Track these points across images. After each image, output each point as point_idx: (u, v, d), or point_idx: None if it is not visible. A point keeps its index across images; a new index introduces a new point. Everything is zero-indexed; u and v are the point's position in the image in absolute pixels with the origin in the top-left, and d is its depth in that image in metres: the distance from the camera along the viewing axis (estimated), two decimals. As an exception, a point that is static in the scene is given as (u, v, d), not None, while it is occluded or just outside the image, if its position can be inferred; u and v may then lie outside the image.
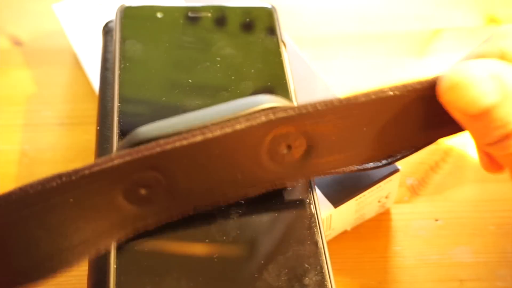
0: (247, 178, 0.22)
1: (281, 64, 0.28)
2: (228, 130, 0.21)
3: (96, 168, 0.20)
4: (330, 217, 0.29)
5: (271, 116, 0.21)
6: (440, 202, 0.33)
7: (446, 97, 0.20)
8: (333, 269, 0.22)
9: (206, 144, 0.21)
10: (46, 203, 0.20)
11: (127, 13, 0.29)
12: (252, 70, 0.28)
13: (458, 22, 0.43)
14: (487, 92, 0.19)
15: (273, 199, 0.24)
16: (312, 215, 0.24)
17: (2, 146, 0.35)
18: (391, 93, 0.22)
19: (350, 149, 0.23)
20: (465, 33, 0.42)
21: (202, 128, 0.21)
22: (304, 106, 0.21)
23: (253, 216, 0.23)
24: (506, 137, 0.20)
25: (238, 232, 0.23)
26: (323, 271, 0.22)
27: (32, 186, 0.19)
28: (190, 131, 0.21)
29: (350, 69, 0.40)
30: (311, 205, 0.24)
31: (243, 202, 0.23)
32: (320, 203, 0.28)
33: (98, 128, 0.28)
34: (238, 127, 0.21)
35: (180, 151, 0.20)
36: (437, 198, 0.33)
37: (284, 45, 0.29)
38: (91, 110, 0.35)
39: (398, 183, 0.31)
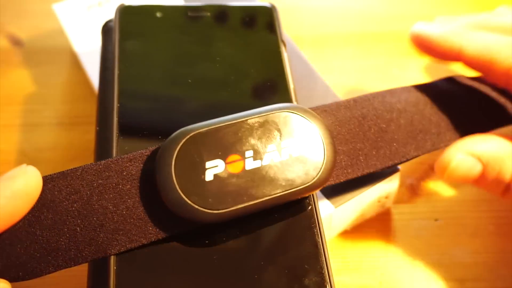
0: None
1: (281, 64, 0.28)
2: None
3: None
4: (330, 217, 0.29)
5: None
6: (440, 202, 0.33)
7: (445, 177, 0.26)
8: (333, 269, 0.22)
9: None
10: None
11: (126, 13, 0.29)
12: (252, 70, 0.28)
13: (458, 22, 0.43)
14: (470, 167, 0.25)
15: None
16: (312, 215, 0.24)
17: (1, 146, 0.35)
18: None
19: None
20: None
21: None
22: None
23: (253, 217, 0.23)
24: (505, 191, 0.25)
25: (237, 232, 0.23)
26: (323, 271, 0.22)
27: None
28: None
29: (350, 69, 0.40)
30: (311, 205, 0.24)
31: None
32: (320, 203, 0.28)
33: (97, 128, 0.28)
34: None
35: None
36: (437, 198, 0.33)
37: (284, 44, 0.29)
38: (91, 110, 0.35)
39: (398, 183, 0.31)
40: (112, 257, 0.22)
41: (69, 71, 0.39)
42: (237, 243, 0.23)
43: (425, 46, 0.28)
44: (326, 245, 0.23)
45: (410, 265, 0.30)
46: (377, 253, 0.31)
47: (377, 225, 0.32)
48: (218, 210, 0.22)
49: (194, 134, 0.22)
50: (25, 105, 0.37)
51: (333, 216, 0.29)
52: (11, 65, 0.40)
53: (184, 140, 0.22)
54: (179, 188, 0.21)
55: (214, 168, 0.22)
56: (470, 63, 0.26)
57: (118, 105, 0.26)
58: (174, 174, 0.22)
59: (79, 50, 0.37)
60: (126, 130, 0.25)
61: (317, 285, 0.22)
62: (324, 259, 0.22)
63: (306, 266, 0.22)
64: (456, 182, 0.27)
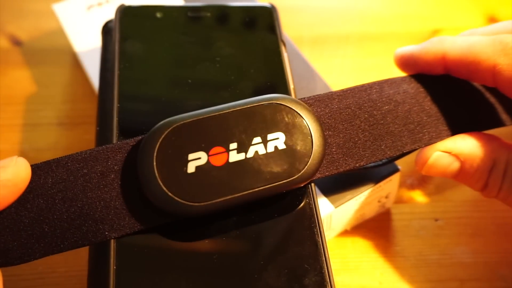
0: None
1: (280, 64, 0.28)
2: None
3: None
4: (330, 217, 0.29)
5: None
6: (440, 202, 0.33)
7: (423, 172, 0.27)
8: (333, 269, 0.22)
9: None
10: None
11: (126, 13, 0.29)
12: (252, 70, 0.28)
13: (457, 21, 0.43)
14: (447, 164, 0.26)
15: (272, 199, 0.24)
16: (312, 215, 0.24)
17: (1, 146, 0.35)
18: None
19: None
20: (465, 33, 0.42)
21: None
22: None
23: (253, 216, 0.23)
24: (484, 187, 0.26)
25: (238, 232, 0.23)
26: (323, 271, 0.22)
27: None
28: None
29: (350, 69, 0.40)
30: (311, 205, 0.24)
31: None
32: (320, 203, 0.28)
33: (97, 128, 0.28)
34: None
35: None
36: (437, 198, 0.33)
37: (284, 44, 0.29)
38: (91, 110, 0.35)
39: (398, 183, 0.31)
40: (112, 257, 0.22)
41: (69, 71, 0.39)
42: (237, 243, 0.23)
43: (410, 63, 0.28)
44: (326, 245, 0.23)
45: (410, 265, 0.30)
46: (377, 253, 0.31)
47: (377, 225, 0.32)
48: (198, 203, 0.21)
49: (177, 125, 0.22)
50: (25, 105, 0.37)
51: (333, 216, 0.29)
52: (11, 65, 0.40)
53: (167, 132, 0.22)
54: (160, 180, 0.21)
55: (196, 160, 0.22)
56: (455, 66, 0.26)
57: (118, 105, 0.26)
58: (156, 166, 0.21)
59: (79, 50, 0.37)
60: (126, 130, 0.25)
61: (317, 285, 0.22)
62: (324, 259, 0.22)
63: (306, 266, 0.22)
64: (435, 176, 0.27)
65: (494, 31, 0.27)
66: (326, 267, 0.22)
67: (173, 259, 0.22)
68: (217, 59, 0.28)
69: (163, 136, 0.22)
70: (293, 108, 0.23)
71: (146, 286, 0.21)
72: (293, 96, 0.27)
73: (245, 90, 0.27)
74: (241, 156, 0.22)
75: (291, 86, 0.27)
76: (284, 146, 0.23)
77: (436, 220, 0.32)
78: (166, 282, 0.21)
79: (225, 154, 0.22)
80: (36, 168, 0.22)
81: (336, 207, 0.28)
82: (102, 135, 0.27)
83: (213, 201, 0.22)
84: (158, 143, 0.22)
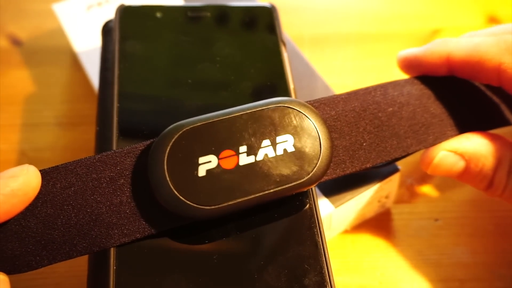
0: None
1: (280, 63, 0.28)
2: None
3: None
4: (330, 217, 0.29)
5: None
6: (440, 202, 0.33)
7: (429, 171, 0.27)
8: (333, 269, 0.22)
9: None
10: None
11: (126, 13, 0.29)
12: (252, 70, 0.28)
13: (457, 21, 0.43)
14: (453, 163, 0.26)
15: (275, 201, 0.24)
16: (312, 215, 0.24)
17: (1, 146, 0.35)
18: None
19: None
20: (465, 33, 0.42)
21: None
22: None
23: (253, 217, 0.23)
24: (488, 186, 0.26)
25: (238, 232, 0.23)
26: (323, 271, 0.22)
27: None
28: None
29: (350, 69, 0.40)
30: (311, 205, 0.24)
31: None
32: (320, 203, 0.28)
33: (97, 128, 0.28)
34: None
35: None
36: (437, 198, 0.33)
37: (284, 44, 0.29)
38: (90, 110, 0.35)
39: (398, 183, 0.31)
40: (112, 257, 0.22)
41: (69, 71, 0.39)
42: (238, 243, 0.23)
43: (414, 65, 0.28)
44: (326, 245, 0.23)
45: (410, 265, 0.30)
46: (377, 253, 0.31)
47: (377, 225, 0.32)
48: (210, 206, 0.22)
49: (187, 129, 0.22)
50: (25, 105, 0.37)
51: (333, 216, 0.29)
52: (11, 65, 0.40)
53: (177, 135, 0.22)
54: (172, 184, 0.21)
55: (207, 163, 0.22)
56: (460, 66, 0.26)
57: (118, 105, 0.26)
58: (167, 170, 0.22)
59: (79, 50, 0.37)
60: (126, 130, 0.25)
61: (317, 285, 0.22)
62: (324, 259, 0.22)
63: (306, 266, 0.22)
64: (441, 176, 0.27)
65: (496, 33, 0.27)
66: (326, 267, 0.22)
67: (173, 259, 0.22)
68: (217, 59, 0.28)
69: (173, 140, 0.22)
70: (301, 111, 0.23)
71: (146, 286, 0.21)
72: (293, 96, 0.27)
73: (245, 90, 0.27)
74: (251, 159, 0.22)
75: (291, 86, 0.27)
76: (293, 149, 0.23)
77: (436, 220, 0.32)
78: (166, 282, 0.21)
79: (235, 157, 0.22)
80: (44, 174, 0.22)
81: (336, 207, 0.28)
82: (102, 135, 0.27)
83: (225, 204, 0.22)
84: (169, 147, 0.22)
